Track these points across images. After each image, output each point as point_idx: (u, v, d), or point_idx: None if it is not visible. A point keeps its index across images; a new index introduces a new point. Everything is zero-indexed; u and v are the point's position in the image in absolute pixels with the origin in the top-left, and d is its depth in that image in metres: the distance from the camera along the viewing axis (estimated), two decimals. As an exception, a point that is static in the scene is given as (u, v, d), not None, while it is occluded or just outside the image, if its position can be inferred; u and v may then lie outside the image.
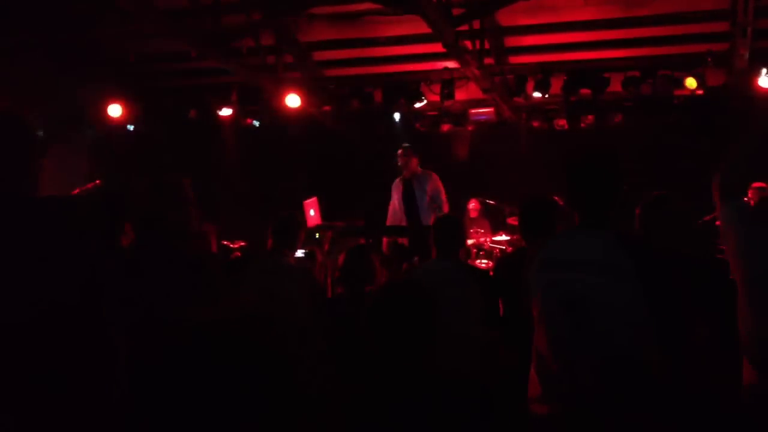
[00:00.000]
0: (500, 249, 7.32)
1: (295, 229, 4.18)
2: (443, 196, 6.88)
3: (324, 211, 6.86)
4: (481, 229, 7.88)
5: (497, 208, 8.17)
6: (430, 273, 3.79)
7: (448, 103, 8.24)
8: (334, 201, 7.52)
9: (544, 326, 2.25)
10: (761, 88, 7.34)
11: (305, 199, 6.83)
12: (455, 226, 3.95)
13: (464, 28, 6.76)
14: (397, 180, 7.18)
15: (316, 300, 3.94)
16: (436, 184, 6.96)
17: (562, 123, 8.77)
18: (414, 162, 7.02)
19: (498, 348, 3.49)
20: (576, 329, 2.15)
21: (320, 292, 4.28)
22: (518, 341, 2.93)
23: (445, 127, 9.16)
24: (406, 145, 7.18)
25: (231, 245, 7.58)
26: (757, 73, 7.32)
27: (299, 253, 5.05)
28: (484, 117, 8.97)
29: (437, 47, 6.98)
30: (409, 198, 7.01)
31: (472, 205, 8.48)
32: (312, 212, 6.75)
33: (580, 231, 2.33)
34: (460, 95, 8.19)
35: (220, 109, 9.01)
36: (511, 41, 7.99)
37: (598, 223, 2.29)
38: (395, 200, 7.15)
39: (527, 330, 2.38)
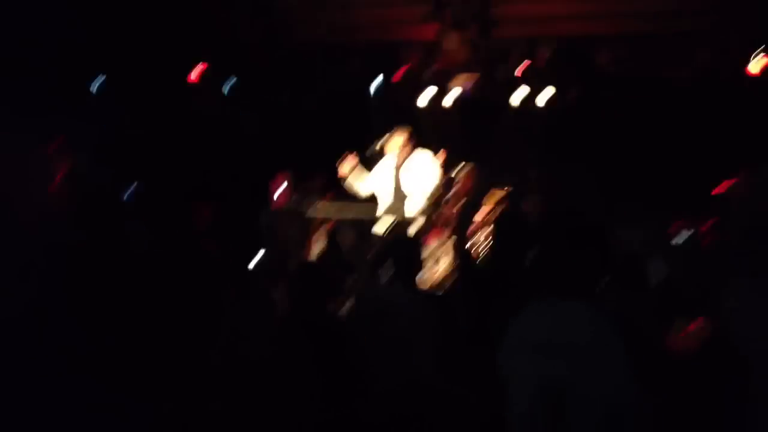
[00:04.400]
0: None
1: None
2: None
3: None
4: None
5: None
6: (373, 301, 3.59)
7: (429, 74, 7.93)
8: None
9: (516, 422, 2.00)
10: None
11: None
12: (413, 248, 3.76)
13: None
14: (384, 162, 6.46)
15: None
16: (430, 167, 6.42)
17: (547, 99, 8.49)
18: (409, 147, 6.27)
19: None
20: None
21: None
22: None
23: (426, 100, 8.83)
24: (401, 126, 6.40)
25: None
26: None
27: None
28: (465, 90, 8.67)
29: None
30: (397, 186, 6.23)
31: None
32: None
33: (559, 301, 2.03)
34: (441, 66, 7.89)
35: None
36: (497, 12, 7.67)
37: (580, 291, 2.01)
38: (376, 187, 6.59)
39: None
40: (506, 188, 6.66)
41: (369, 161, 6.41)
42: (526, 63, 8.10)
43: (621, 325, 1.96)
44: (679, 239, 5.53)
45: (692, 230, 6.45)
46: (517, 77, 8.20)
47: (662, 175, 7.00)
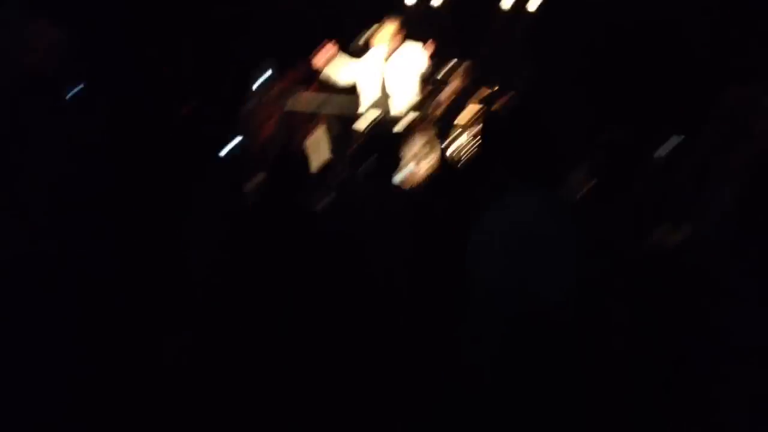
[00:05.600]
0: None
1: None
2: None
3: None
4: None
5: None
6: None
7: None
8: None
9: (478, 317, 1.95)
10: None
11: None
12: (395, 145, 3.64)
13: None
14: (370, 56, 6.10)
15: None
16: (419, 61, 6.04)
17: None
18: (397, 39, 5.93)
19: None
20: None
21: None
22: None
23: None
24: (390, 17, 6.05)
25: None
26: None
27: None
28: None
29: None
30: (383, 80, 5.95)
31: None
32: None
33: (520, 194, 1.98)
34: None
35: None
36: None
37: (547, 183, 1.97)
38: (362, 80, 6.32)
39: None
40: (494, 88, 6.50)
41: (355, 53, 6.15)
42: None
43: (589, 224, 1.91)
44: (663, 150, 5.45)
45: (678, 141, 6.40)
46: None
47: (653, 84, 6.87)
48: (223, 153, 3.87)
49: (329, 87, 6.24)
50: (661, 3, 7.37)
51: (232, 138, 4.40)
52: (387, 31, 5.92)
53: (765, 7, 6.36)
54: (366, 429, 2.77)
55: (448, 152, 6.40)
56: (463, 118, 6.42)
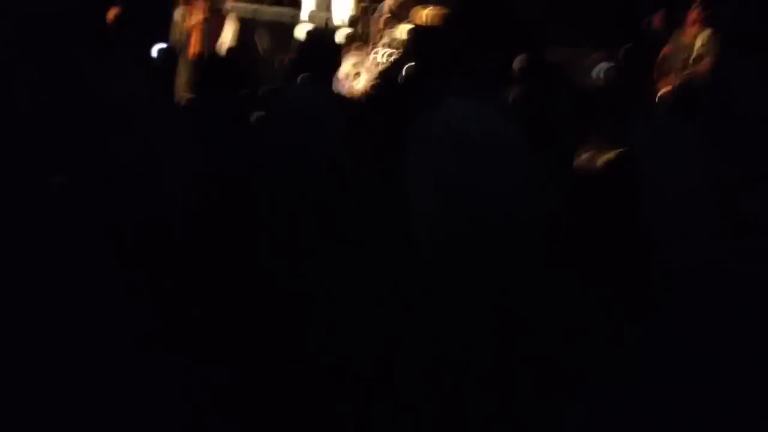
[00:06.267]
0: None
1: None
2: None
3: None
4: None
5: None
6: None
7: None
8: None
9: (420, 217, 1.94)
10: None
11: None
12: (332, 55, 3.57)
13: None
14: None
15: None
16: None
17: None
18: None
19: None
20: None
21: None
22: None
23: None
24: None
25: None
26: None
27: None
28: None
29: None
30: None
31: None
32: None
33: (465, 100, 1.94)
34: None
35: None
36: None
37: (487, 90, 1.96)
38: None
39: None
40: (433, 6, 6.41)
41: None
42: None
43: (529, 130, 1.91)
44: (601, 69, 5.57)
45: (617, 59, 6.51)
46: None
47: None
48: (153, 54, 3.70)
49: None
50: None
51: (163, 42, 4.20)
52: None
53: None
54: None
55: (385, 66, 6.33)
56: (401, 32, 6.33)
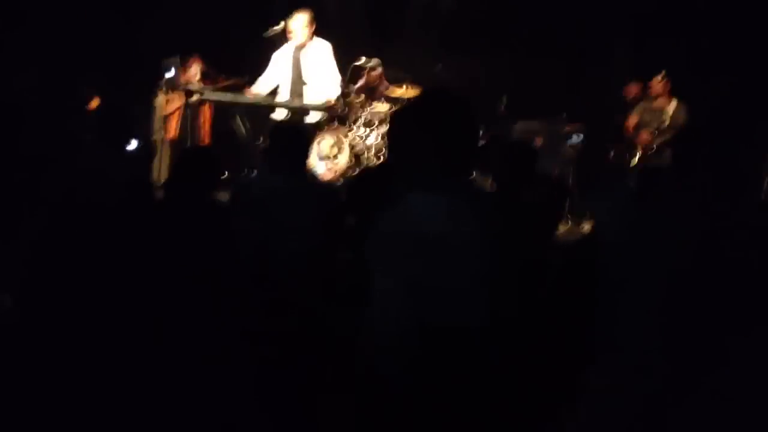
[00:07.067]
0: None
1: None
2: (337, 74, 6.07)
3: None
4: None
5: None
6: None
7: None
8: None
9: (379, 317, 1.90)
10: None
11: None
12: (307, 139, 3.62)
13: None
14: (285, 48, 5.94)
15: None
16: (330, 57, 5.92)
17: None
18: (311, 29, 5.79)
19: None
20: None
21: None
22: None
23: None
24: (304, 8, 5.85)
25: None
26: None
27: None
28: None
29: None
30: (296, 74, 5.86)
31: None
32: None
33: (425, 193, 1.88)
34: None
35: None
36: None
37: (448, 182, 1.88)
38: (275, 73, 5.98)
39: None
40: (408, 85, 6.54)
41: (271, 44, 6.06)
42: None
43: (489, 219, 1.86)
44: (572, 140, 5.66)
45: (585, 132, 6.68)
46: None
47: (564, 76, 7.11)
48: (129, 148, 3.73)
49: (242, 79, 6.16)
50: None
51: (137, 133, 4.25)
52: (300, 19, 5.82)
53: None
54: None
55: (359, 151, 6.41)
56: (374, 115, 6.43)
